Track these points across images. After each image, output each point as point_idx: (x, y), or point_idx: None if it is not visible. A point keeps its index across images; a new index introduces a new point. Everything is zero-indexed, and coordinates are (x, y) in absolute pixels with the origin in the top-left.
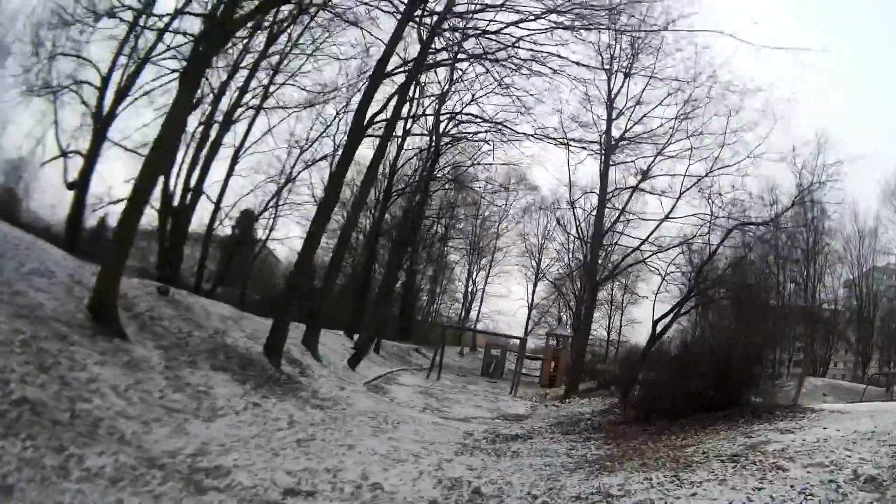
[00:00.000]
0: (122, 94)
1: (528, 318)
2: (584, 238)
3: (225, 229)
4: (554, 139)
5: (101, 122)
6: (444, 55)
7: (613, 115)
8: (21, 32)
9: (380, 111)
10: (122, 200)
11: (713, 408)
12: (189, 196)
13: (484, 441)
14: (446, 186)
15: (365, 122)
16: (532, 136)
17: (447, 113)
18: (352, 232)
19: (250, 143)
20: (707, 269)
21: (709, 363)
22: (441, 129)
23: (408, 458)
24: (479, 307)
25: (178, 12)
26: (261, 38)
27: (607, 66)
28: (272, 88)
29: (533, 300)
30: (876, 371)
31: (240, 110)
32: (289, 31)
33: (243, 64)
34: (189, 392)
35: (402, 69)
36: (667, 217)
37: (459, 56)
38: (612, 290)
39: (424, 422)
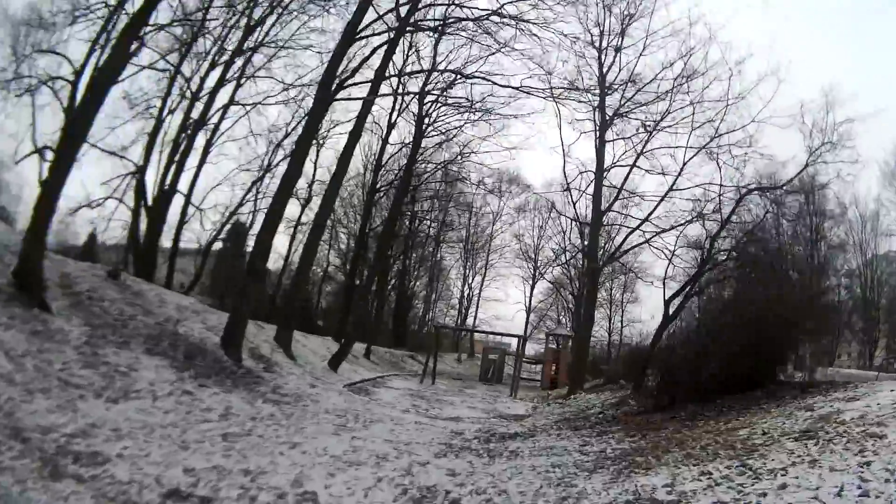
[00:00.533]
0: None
1: (527, 321)
2: (581, 220)
3: (204, 232)
4: (542, 90)
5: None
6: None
7: (606, 91)
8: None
9: (350, 75)
10: (96, 202)
11: (745, 387)
12: (167, 191)
13: (475, 441)
14: (436, 181)
15: (333, 88)
16: (519, 88)
17: (435, 70)
18: (327, 218)
19: (225, 127)
20: (720, 239)
21: (735, 338)
22: (425, 112)
23: (367, 461)
24: (476, 312)
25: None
26: (237, 36)
27: (597, 43)
28: (247, 79)
29: (531, 303)
30: (884, 358)
31: (214, 107)
32: (262, 25)
33: (220, 61)
34: (103, 370)
35: (379, 31)
36: (671, 189)
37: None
38: (612, 288)
39: (405, 421)
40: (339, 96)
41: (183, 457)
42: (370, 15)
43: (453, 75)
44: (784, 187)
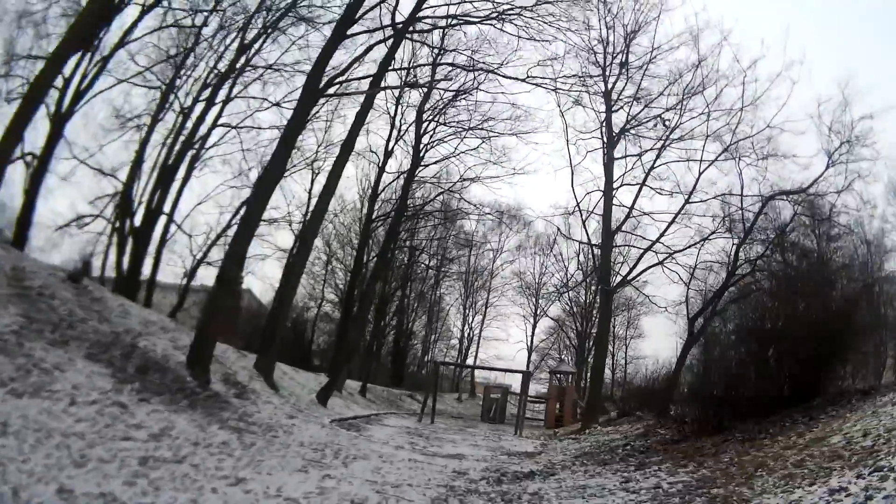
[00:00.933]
0: (80, 95)
1: (529, 360)
2: (591, 241)
3: (191, 257)
4: (548, 79)
5: (57, 122)
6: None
7: (613, 108)
8: None
9: (341, 73)
10: (82, 220)
11: (799, 400)
12: (153, 211)
13: (483, 482)
14: (434, 209)
15: (321, 85)
16: (525, 80)
17: (438, 63)
18: (315, 234)
19: (213, 147)
20: (746, 247)
21: (786, 350)
22: (423, 130)
23: None
24: (477, 352)
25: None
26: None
27: (601, 60)
28: (236, 98)
29: (532, 342)
30: (892, 379)
31: (206, 125)
32: (255, 45)
33: (211, 81)
34: (20, 362)
35: (374, 29)
36: (687, 202)
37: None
38: (615, 325)
39: (397, 458)
40: (330, 97)
41: (69, 474)
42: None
43: (454, 89)
44: (808, 190)
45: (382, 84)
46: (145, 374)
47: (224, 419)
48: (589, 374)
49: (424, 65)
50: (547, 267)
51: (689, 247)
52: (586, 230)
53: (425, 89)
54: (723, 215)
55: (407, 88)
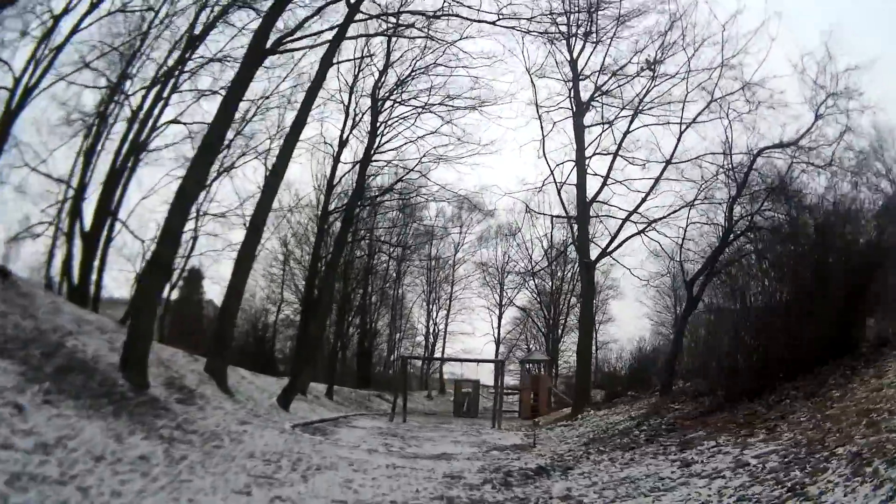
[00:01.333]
0: (29, 91)
1: (497, 352)
2: (567, 213)
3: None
4: (523, 19)
5: (6, 122)
6: None
7: (580, 76)
8: None
9: (292, 32)
10: (31, 227)
11: (843, 350)
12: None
13: (487, 486)
14: (393, 199)
15: (268, 45)
16: (495, 24)
17: (402, 11)
18: (264, 218)
19: (163, 143)
20: (739, 205)
21: (826, 298)
22: (380, 108)
23: None
24: (444, 347)
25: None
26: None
27: (564, 30)
28: (179, 90)
29: (500, 333)
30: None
31: (154, 118)
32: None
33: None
34: None
35: None
36: (669, 163)
37: None
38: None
39: (371, 465)
40: (279, 54)
41: None
42: None
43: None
44: (800, 142)
45: (336, 59)
46: (65, 375)
47: (156, 427)
48: (575, 358)
49: (388, 14)
50: (510, 255)
51: (677, 210)
52: (562, 200)
53: (384, 60)
54: (713, 175)
55: (368, 39)
